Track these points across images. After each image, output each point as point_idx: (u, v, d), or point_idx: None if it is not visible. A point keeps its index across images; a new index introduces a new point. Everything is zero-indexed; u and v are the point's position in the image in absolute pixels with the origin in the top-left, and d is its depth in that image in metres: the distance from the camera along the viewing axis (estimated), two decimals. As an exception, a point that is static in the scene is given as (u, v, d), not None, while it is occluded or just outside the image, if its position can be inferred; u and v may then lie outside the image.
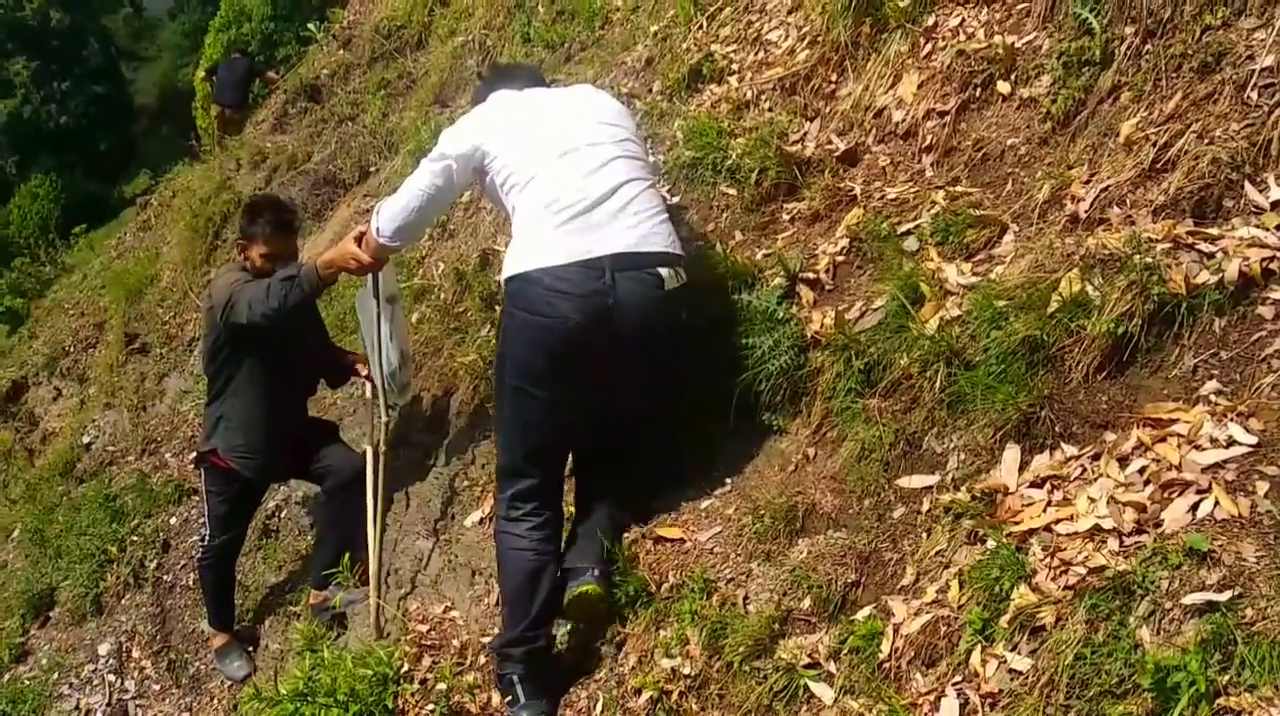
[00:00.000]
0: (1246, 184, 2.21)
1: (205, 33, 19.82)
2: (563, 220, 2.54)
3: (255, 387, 3.79)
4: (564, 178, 2.59)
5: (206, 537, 4.09)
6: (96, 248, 12.64)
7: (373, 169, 6.97)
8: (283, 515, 4.76)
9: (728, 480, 2.84)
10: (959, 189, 2.82)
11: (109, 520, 5.44)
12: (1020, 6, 3.00)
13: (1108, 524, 1.90)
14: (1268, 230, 2.11)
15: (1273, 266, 2.07)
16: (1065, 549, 1.92)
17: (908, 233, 2.80)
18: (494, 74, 3.34)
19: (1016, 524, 2.05)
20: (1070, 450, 2.15)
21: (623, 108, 3.04)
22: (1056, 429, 2.20)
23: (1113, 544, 1.88)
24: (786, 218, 3.26)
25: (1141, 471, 1.98)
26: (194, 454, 4.62)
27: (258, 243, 3.68)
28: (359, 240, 3.15)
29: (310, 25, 8.86)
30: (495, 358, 2.86)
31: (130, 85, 31.58)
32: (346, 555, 3.50)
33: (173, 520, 5.27)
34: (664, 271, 2.56)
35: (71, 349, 8.98)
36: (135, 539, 5.27)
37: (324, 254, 3.36)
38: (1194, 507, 1.84)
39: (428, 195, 2.86)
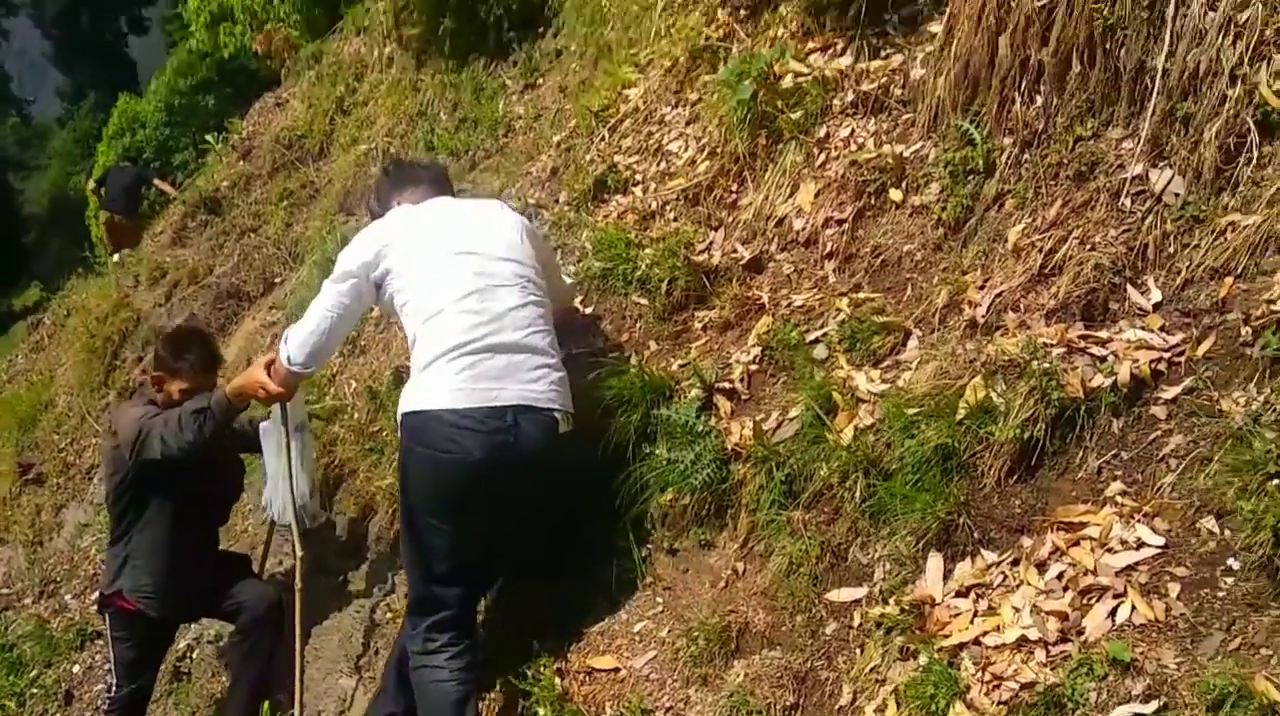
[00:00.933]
0: (1129, 287, 2.34)
1: (98, 139, 19.48)
2: (466, 366, 2.60)
3: (163, 524, 3.61)
4: (467, 322, 2.64)
5: (113, 687, 3.82)
6: (-16, 369, 12.03)
7: (277, 280, 6.86)
8: (194, 656, 4.50)
9: (659, 599, 2.80)
10: (862, 295, 2.91)
11: (5, 672, 5.11)
12: (905, 118, 3.15)
13: (1033, 634, 1.94)
14: (1153, 332, 2.23)
15: (1161, 367, 2.18)
16: (995, 662, 1.95)
17: (816, 341, 2.86)
18: (397, 173, 3.31)
19: (946, 637, 2.07)
20: (990, 556, 2.19)
21: (525, 224, 3.05)
22: (975, 535, 2.24)
23: (1040, 655, 1.91)
24: (699, 326, 3.31)
25: (1060, 577, 2.03)
26: (97, 596, 4.36)
27: (180, 377, 3.54)
28: (268, 367, 3.08)
29: (209, 137, 8.76)
30: (398, 491, 2.85)
31: (19, 195, 30.66)
32: (266, 702, 3.32)
33: (75, 668, 4.95)
34: (558, 415, 2.70)
35: (-41, 482, 8.48)
36: (35, 691, 4.93)
37: (233, 381, 3.27)
38: (1112, 613, 1.89)
39: (336, 315, 2.83)
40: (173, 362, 3.59)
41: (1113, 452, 2.16)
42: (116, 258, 9.40)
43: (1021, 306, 2.49)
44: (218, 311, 6.99)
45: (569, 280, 3.54)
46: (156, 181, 10.48)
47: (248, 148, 8.29)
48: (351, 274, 2.80)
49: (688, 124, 3.89)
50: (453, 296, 2.67)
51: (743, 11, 3.98)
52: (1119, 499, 2.08)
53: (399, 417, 2.71)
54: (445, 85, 6.23)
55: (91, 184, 13.09)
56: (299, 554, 3.46)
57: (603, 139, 4.26)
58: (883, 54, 3.32)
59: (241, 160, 8.21)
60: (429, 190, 3.08)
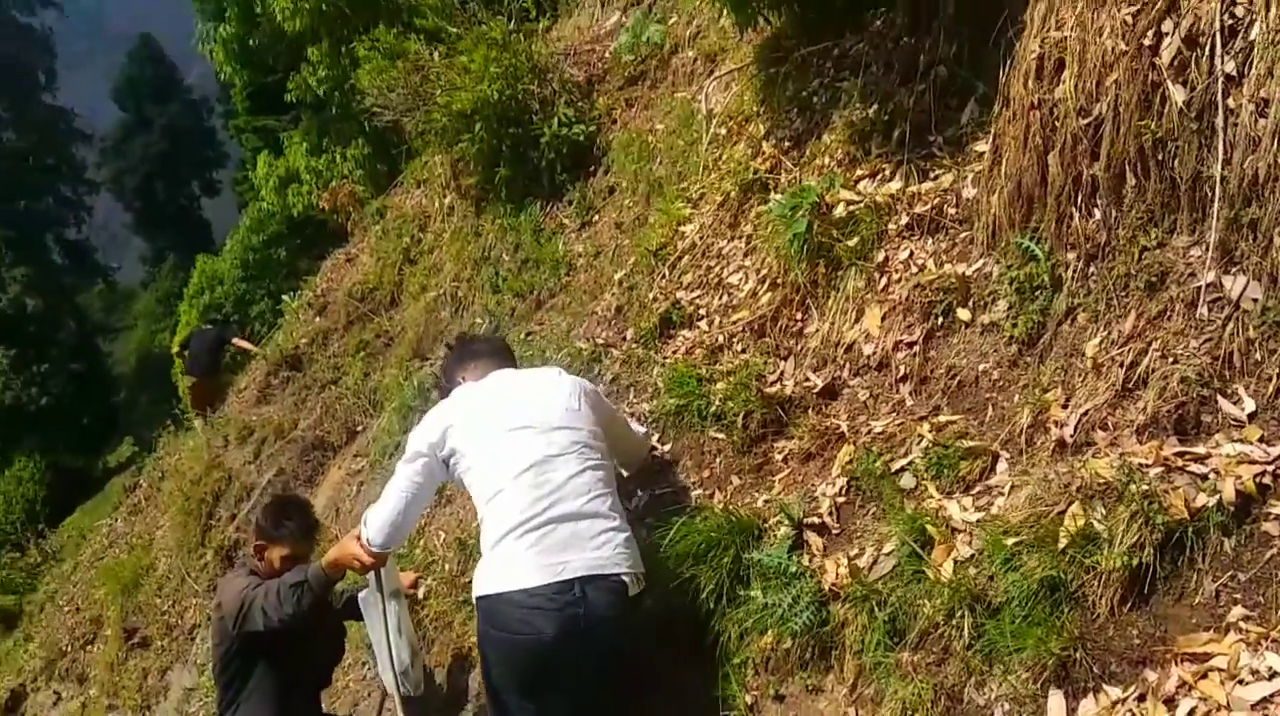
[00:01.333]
0: (1219, 398, 2.29)
1: (179, 298, 20.58)
2: (531, 542, 2.64)
3: (268, 692, 3.67)
4: (528, 497, 2.69)
5: None
6: (85, 533, 12.50)
7: (359, 429, 7.07)
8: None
9: (771, 750, 2.74)
10: (942, 418, 2.90)
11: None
12: (963, 236, 3.19)
13: (1173, 780, 1.85)
14: (1252, 444, 2.18)
15: (1266, 480, 2.12)
16: (1137, 812, 1.86)
17: (902, 469, 2.85)
18: (460, 349, 3.44)
19: (1080, 784, 1.99)
20: (1114, 692, 2.11)
21: (582, 389, 3.06)
22: (1094, 670, 2.17)
23: (1184, 802, 1.81)
24: (779, 457, 3.32)
25: (1191, 713, 1.94)
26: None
27: (281, 545, 3.66)
28: (359, 538, 3.17)
29: (285, 297, 9.20)
30: (480, 661, 2.90)
31: (108, 357, 32.33)
32: None
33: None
34: (627, 579, 2.68)
35: (69, 648, 8.74)
36: None
37: (328, 554, 3.36)
38: (1255, 752, 1.80)
39: (410, 494, 2.95)
40: (273, 532, 3.72)
41: (1229, 574, 2.09)
42: (200, 422, 9.81)
43: (1110, 423, 2.46)
44: (304, 464, 7.22)
45: (640, 431, 3.56)
46: (236, 340, 10.98)
47: (322, 304, 8.68)
48: (422, 454, 2.92)
49: (745, 256, 3.99)
50: (511, 473, 2.74)
51: (787, 143, 4.11)
52: (1242, 624, 2.00)
53: (474, 600, 2.76)
54: (505, 229, 6.49)
55: (175, 347, 13.77)
56: (403, 722, 3.48)
57: (663, 276, 4.37)
58: (932, 175, 3.39)
59: (317, 316, 8.58)
60: (491, 364, 3.19)
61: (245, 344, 10.99)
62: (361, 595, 3.71)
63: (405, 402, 6.04)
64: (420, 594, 4.32)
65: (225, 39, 12.07)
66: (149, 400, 26.09)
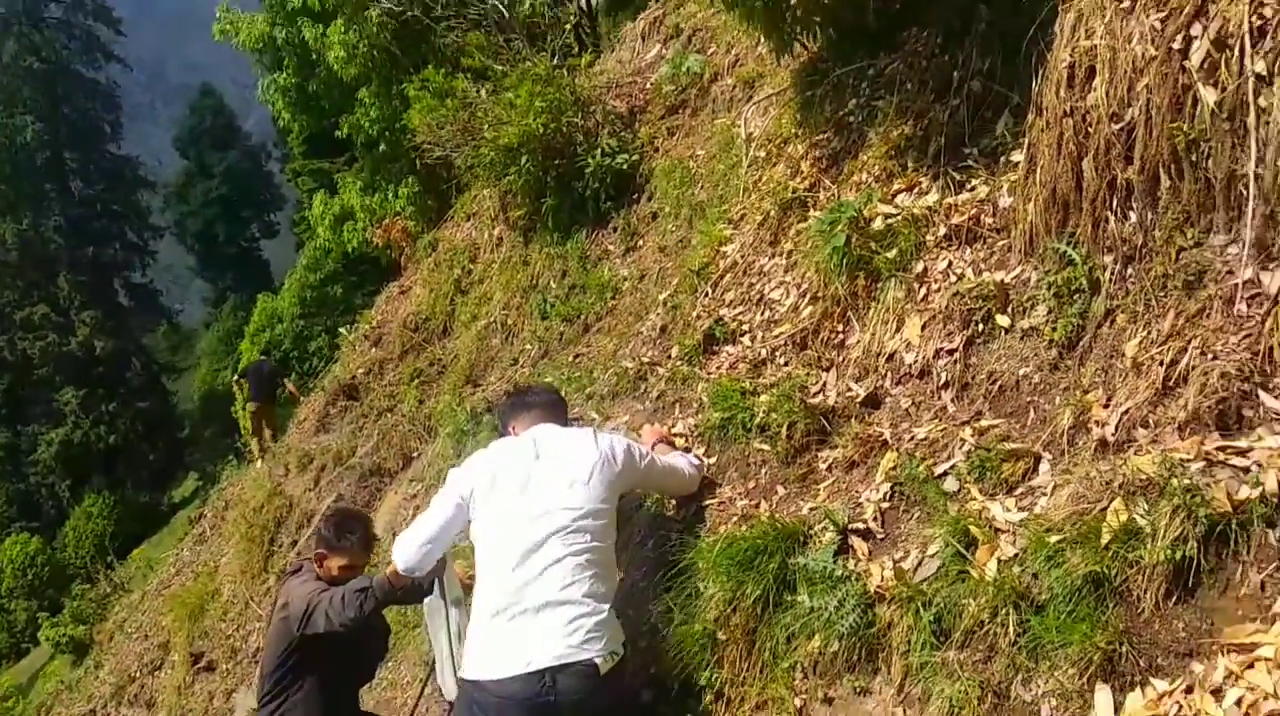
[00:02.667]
0: (1260, 392, 2.30)
1: (239, 337, 21.21)
2: (506, 632, 2.85)
3: (318, 688, 3.83)
4: (510, 584, 2.89)
5: None
6: (153, 564, 12.87)
7: (415, 455, 7.24)
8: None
9: (820, 754, 2.77)
10: (984, 423, 2.93)
11: None
12: (1001, 244, 3.23)
13: (1222, 768, 1.85)
14: (1293, 436, 2.18)
15: (1308, 471, 2.12)
16: (1186, 801, 1.86)
17: (945, 473, 2.88)
18: (514, 397, 3.66)
19: (1128, 776, 2.00)
20: (1161, 685, 2.11)
21: (608, 456, 3.15)
22: (1141, 663, 2.17)
23: (1233, 791, 1.82)
24: (824, 467, 3.36)
25: (1239, 702, 1.95)
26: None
27: (341, 555, 3.82)
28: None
29: (341, 329, 9.47)
30: None
31: (173, 396, 33.26)
32: None
33: None
34: (598, 660, 2.81)
35: (138, 675, 9.00)
36: None
37: (390, 566, 3.50)
38: (1303, 739, 1.80)
39: (439, 525, 3.18)
40: (336, 542, 3.88)
41: (1274, 566, 2.09)
42: (256, 444, 10.15)
43: (1151, 422, 2.47)
44: (362, 489, 7.41)
45: (686, 463, 3.58)
46: (287, 382, 11.48)
47: (378, 335, 8.93)
48: (458, 491, 3.17)
49: (786, 272, 4.06)
50: (500, 554, 2.96)
51: (825, 161, 4.19)
52: (1289, 614, 2.00)
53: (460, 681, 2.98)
54: (553, 257, 6.65)
55: (233, 378, 14.29)
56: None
57: (706, 294, 4.46)
58: (968, 187, 3.44)
59: (373, 347, 8.83)
60: (536, 417, 3.36)
61: (293, 389, 11.50)
62: (428, 602, 3.83)
63: (459, 427, 6.19)
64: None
65: (283, 87, 12.56)
66: (212, 435, 26.77)
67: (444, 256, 8.59)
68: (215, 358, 33.96)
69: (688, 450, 3.81)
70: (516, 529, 2.98)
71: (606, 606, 2.92)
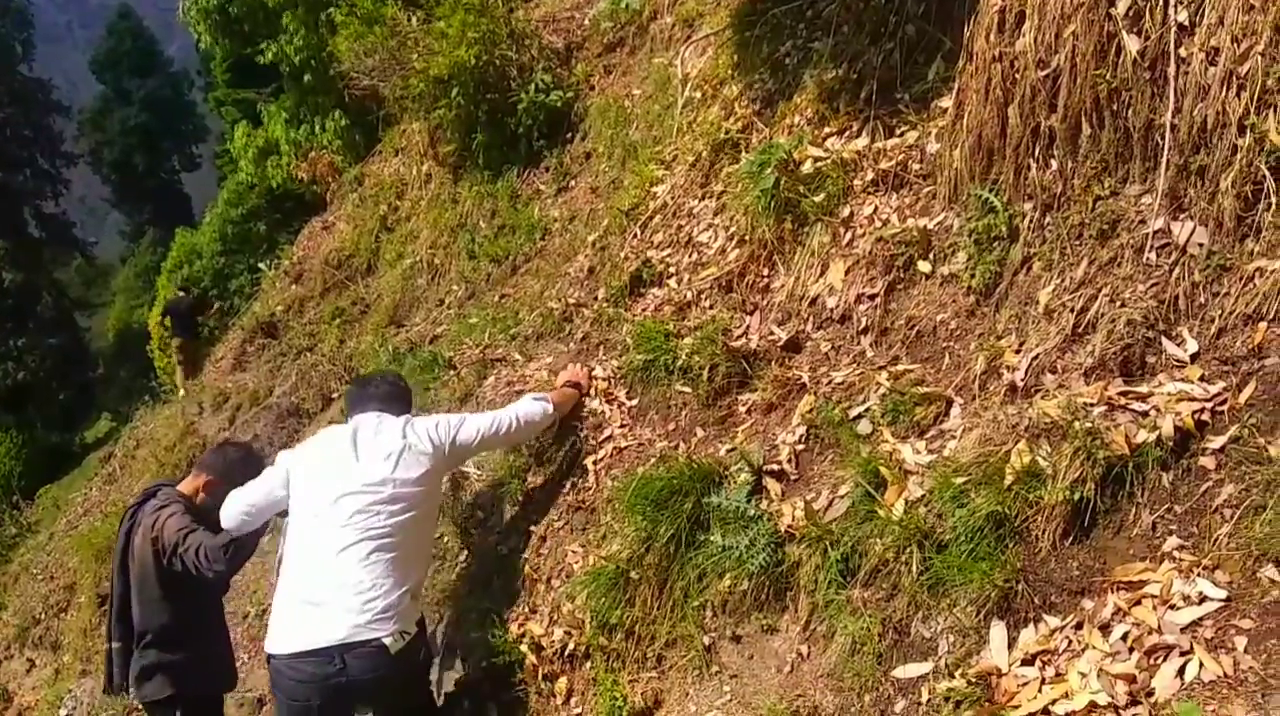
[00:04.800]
0: (1164, 340, 2.35)
1: (158, 273, 20.40)
2: (299, 614, 2.98)
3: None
4: (312, 564, 3.03)
5: None
6: (61, 504, 12.44)
7: (335, 396, 7.07)
8: None
9: (726, 688, 2.79)
10: (900, 367, 2.94)
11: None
12: (926, 191, 3.23)
13: (1102, 699, 1.91)
14: (1193, 383, 2.23)
15: (1205, 417, 2.17)
16: (1068, 731, 1.91)
17: (859, 416, 2.90)
18: (355, 386, 3.77)
19: (1016, 707, 2.04)
20: (1053, 621, 2.17)
21: (413, 439, 3.24)
22: (1036, 601, 2.22)
23: (1113, 720, 1.87)
24: (743, 409, 3.36)
25: (1124, 637, 2.00)
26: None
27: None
28: None
29: (261, 265, 9.16)
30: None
31: (85, 333, 31.99)
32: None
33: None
34: (387, 640, 2.92)
35: (43, 616, 8.73)
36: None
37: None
38: (1180, 671, 1.86)
39: (260, 497, 3.39)
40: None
41: (1165, 507, 2.14)
42: (182, 384, 9.81)
43: (1059, 367, 2.51)
44: (279, 430, 7.22)
45: (530, 408, 3.58)
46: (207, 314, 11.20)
47: (299, 271, 8.66)
48: (283, 470, 3.33)
49: (715, 215, 4.02)
50: (303, 535, 3.11)
51: (759, 103, 4.14)
52: (1176, 554, 2.05)
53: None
54: (482, 196, 6.49)
55: (156, 317, 13.78)
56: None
57: (635, 235, 4.40)
58: (898, 132, 3.43)
59: (294, 284, 8.56)
60: (373, 407, 3.40)
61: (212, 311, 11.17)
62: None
63: (381, 367, 6.05)
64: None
65: (205, 8, 11.94)
66: (127, 375, 25.86)
67: (370, 192, 8.33)
68: (131, 294, 32.67)
69: (609, 395, 3.79)
70: (323, 511, 3.09)
71: (402, 589, 3.01)
